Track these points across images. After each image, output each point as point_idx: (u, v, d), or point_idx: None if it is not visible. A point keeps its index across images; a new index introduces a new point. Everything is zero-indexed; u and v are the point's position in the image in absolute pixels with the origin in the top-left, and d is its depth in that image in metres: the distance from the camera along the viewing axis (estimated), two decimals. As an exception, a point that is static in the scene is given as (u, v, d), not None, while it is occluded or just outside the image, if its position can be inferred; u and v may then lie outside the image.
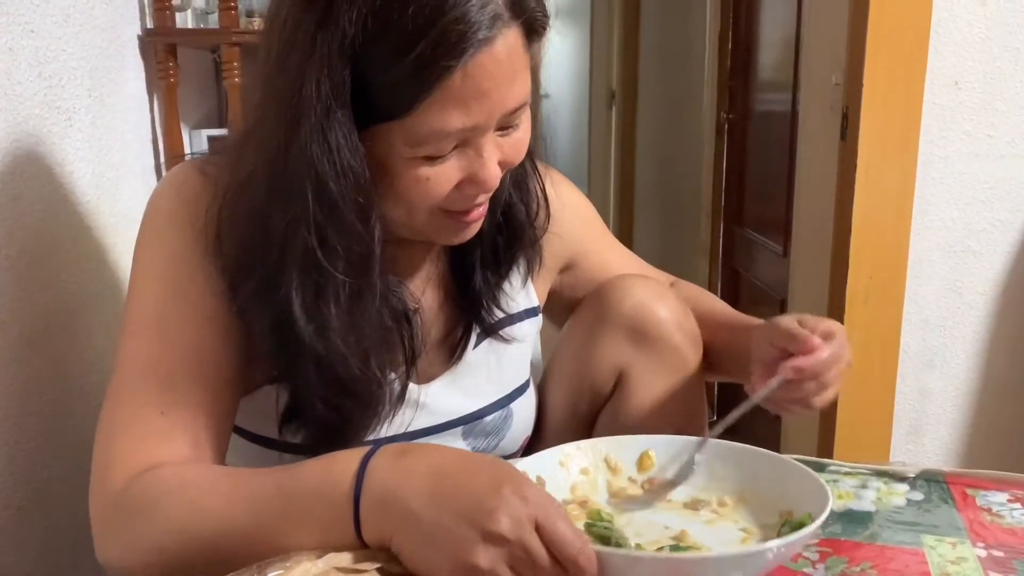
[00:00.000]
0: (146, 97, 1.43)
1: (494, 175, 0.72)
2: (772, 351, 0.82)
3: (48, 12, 1.05)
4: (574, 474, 0.82)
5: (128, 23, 1.36)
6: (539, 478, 0.78)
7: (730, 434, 0.83)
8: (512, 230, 0.86)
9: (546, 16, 0.72)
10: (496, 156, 0.72)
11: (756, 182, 2.50)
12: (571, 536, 0.60)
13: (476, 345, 0.90)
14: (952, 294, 1.64)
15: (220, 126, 1.69)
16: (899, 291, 1.63)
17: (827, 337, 0.81)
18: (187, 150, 1.49)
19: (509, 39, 0.67)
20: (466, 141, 0.70)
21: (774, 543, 0.64)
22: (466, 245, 0.84)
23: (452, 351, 0.89)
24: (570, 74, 4.07)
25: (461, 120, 0.68)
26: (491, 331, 0.90)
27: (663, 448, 0.84)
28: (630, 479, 0.82)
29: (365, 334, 0.74)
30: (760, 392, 0.81)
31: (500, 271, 0.88)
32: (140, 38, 1.41)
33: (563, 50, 4.12)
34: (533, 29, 0.70)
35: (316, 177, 0.67)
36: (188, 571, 0.66)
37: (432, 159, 0.70)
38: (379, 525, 0.63)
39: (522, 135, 0.75)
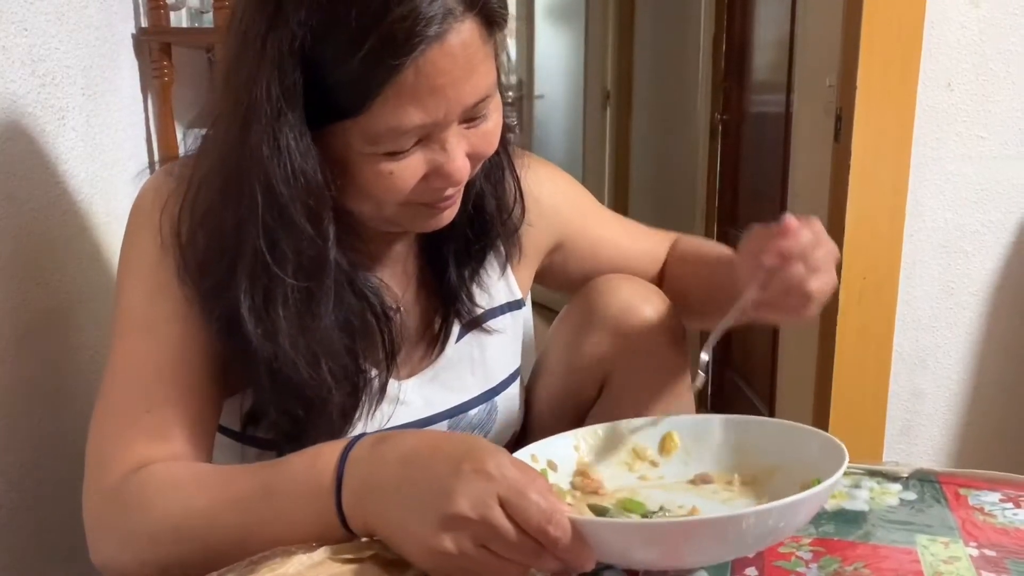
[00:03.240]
0: (140, 96, 1.43)
1: (460, 168, 0.71)
2: (752, 267, 0.79)
3: (42, 10, 1.05)
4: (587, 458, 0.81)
5: (122, 22, 1.36)
6: (550, 462, 0.77)
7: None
8: (483, 223, 0.85)
9: (504, 7, 0.71)
10: (463, 149, 0.72)
11: (750, 183, 2.51)
12: (536, 508, 0.58)
13: (459, 339, 0.90)
14: (945, 295, 1.65)
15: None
16: (892, 292, 1.63)
17: (802, 222, 0.78)
18: (181, 150, 1.49)
19: (463, 33, 0.66)
20: (428, 136, 0.70)
21: (749, 510, 0.62)
22: (438, 239, 0.84)
23: (432, 346, 0.88)
24: (564, 74, 4.06)
25: (418, 117, 0.67)
26: (473, 325, 0.90)
27: (686, 429, 0.82)
28: (651, 462, 0.82)
29: (316, 339, 0.73)
30: (744, 298, 0.78)
31: (473, 264, 0.87)
32: (134, 37, 1.41)
33: (557, 50, 4.11)
34: (491, 20, 0.69)
35: (266, 180, 0.67)
36: (182, 567, 0.66)
37: (394, 154, 0.69)
38: (361, 516, 0.63)
39: (491, 126, 0.74)
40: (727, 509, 0.74)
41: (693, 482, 0.79)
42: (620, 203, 3.80)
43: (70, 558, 1.04)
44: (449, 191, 0.74)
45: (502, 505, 0.58)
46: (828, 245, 0.79)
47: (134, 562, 0.68)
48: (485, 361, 0.92)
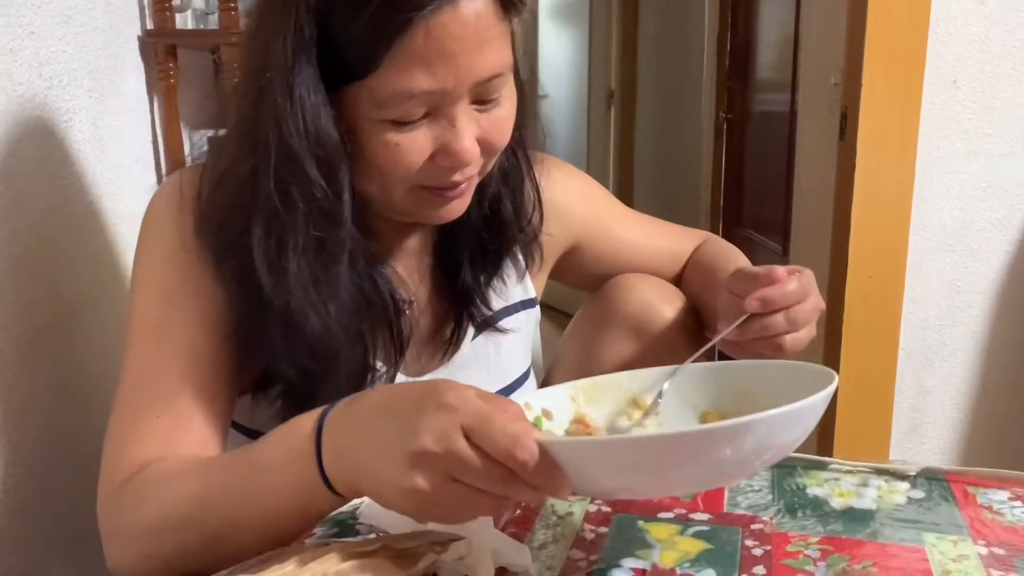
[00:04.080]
0: (146, 98, 1.43)
1: (468, 149, 0.71)
2: (736, 299, 0.78)
3: (49, 13, 1.05)
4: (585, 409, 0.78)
5: (128, 24, 1.36)
6: (545, 411, 0.76)
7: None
8: (499, 227, 0.85)
9: None
10: (472, 130, 0.72)
11: (755, 182, 2.51)
12: (501, 433, 0.56)
13: (474, 338, 0.90)
14: (951, 293, 1.65)
15: (220, 127, 1.69)
16: (898, 290, 1.63)
17: (792, 273, 0.77)
18: (187, 151, 1.49)
19: (477, 3, 0.67)
20: (437, 109, 0.70)
21: (723, 423, 0.56)
22: (453, 239, 0.84)
23: (446, 346, 0.89)
24: (568, 74, 4.06)
25: (426, 81, 0.67)
26: (488, 324, 0.90)
27: (684, 377, 0.77)
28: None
29: (328, 291, 0.74)
30: (727, 330, 0.76)
31: (489, 268, 0.87)
32: (140, 39, 1.41)
33: (561, 50, 4.11)
34: (508, 0, 0.70)
35: (279, 129, 0.68)
36: (187, 558, 0.66)
37: (401, 124, 0.70)
38: (342, 474, 0.62)
39: (504, 114, 0.74)
40: None
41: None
42: (624, 202, 3.80)
43: (78, 556, 1.04)
44: (457, 176, 0.74)
45: (467, 435, 0.56)
46: (814, 300, 0.79)
47: (138, 556, 0.68)
48: (500, 360, 0.92)
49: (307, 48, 0.67)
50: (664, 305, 0.94)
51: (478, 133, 0.72)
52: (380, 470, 0.59)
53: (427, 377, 0.88)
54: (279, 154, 0.69)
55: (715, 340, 0.78)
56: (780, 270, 0.76)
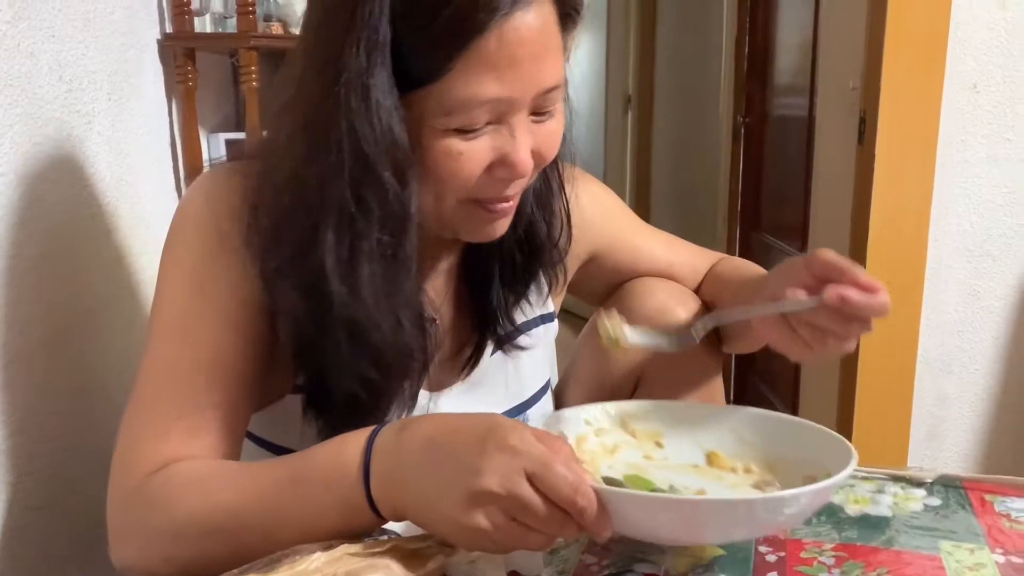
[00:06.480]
0: (165, 101, 1.44)
1: (525, 159, 0.72)
2: (804, 276, 0.74)
3: (69, 17, 1.06)
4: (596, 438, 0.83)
5: (147, 27, 1.37)
6: (561, 433, 0.78)
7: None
8: (532, 248, 0.85)
9: (579, 6, 0.72)
10: (528, 141, 0.72)
11: (773, 186, 2.50)
12: (564, 480, 0.59)
13: (493, 353, 0.90)
14: (970, 299, 1.63)
15: (238, 130, 1.70)
16: (917, 296, 1.62)
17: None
18: (205, 154, 1.50)
19: (544, 11, 0.68)
20: (500, 118, 0.70)
21: (772, 494, 0.64)
22: (486, 260, 0.84)
23: (466, 363, 0.89)
24: (586, 78, 4.05)
25: (495, 88, 0.68)
26: (506, 340, 0.89)
27: (697, 416, 0.84)
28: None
29: (398, 301, 0.73)
30: (789, 302, 0.72)
31: (516, 289, 0.87)
32: (159, 42, 1.42)
33: (579, 54, 4.11)
34: (566, 12, 0.71)
35: (353, 133, 0.68)
36: (211, 565, 0.66)
37: (464, 132, 0.70)
38: (391, 502, 0.64)
39: (556, 126, 0.75)
40: (733, 493, 0.75)
41: (697, 467, 0.80)
42: (642, 208, 3.79)
43: (95, 556, 1.05)
44: (511, 188, 0.74)
45: (529, 479, 0.59)
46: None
47: (159, 559, 0.68)
48: (519, 375, 0.92)
49: (382, 51, 0.67)
50: (679, 308, 0.94)
51: (532, 145, 0.73)
52: (438, 505, 0.61)
53: (446, 393, 0.88)
54: (353, 157, 0.68)
55: (780, 307, 0.73)
56: (876, 282, 0.71)
